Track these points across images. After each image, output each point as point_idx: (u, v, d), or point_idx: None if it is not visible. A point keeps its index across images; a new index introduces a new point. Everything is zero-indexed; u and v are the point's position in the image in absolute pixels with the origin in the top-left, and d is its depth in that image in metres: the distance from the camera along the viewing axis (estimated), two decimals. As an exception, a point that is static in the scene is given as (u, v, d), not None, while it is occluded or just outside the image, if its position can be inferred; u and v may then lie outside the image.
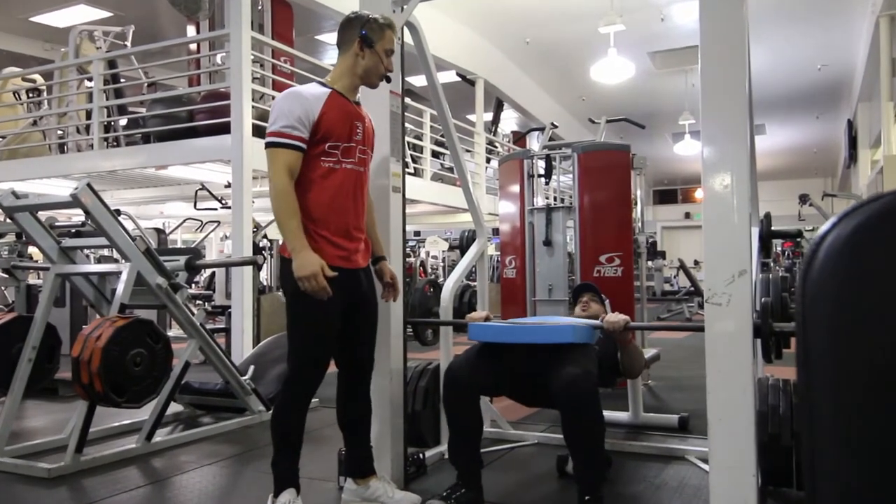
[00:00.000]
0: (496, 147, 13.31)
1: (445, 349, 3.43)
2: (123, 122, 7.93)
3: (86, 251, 4.17)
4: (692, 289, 13.23)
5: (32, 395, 3.88)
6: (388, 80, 2.71)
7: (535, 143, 17.42)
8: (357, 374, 2.72)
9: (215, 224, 10.10)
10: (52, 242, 3.80)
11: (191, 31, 8.60)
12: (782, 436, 2.67)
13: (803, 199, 11.64)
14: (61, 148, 8.33)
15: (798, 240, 17.51)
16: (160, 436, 3.81)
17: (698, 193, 22.73)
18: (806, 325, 0.90)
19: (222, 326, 7.28)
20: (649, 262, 12.87)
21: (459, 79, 11.49)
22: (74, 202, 3.38)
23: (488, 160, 12.36)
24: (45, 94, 9.03)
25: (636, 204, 5.87)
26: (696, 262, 15.72)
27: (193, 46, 8.42)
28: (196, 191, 8.16)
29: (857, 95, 11.83)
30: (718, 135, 2.41)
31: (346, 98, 2.59)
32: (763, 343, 2.52)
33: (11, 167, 8.42)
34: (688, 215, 22.66)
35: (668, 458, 3.41)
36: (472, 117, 12.31)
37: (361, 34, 2.58)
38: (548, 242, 5.28)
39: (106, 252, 7.77)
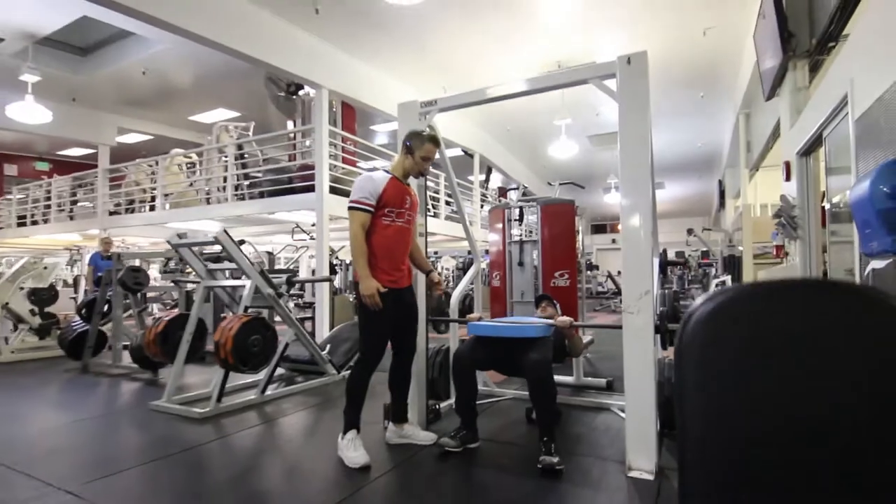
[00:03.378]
0: (487, 198, 13.32)
1: (453, 336, 3.45)
2: (247, 183, 8.02)
3: (225, 271, 4.16)
4: (617, 290, 13.18)
5: (190, 362, 3.88)
6: (424, 177, 2.79)
7: (513, 194, 17.44)
8: (405, 355, 2.75)
9: (305, 248, 10.17)
10: (201, 266, 3.87)
11: (290, 124, 8.70)
12: (671, 397, 2.68)
13: (689, 231, 11.52)
14: (207, 201, 8.44)
15: (685, 262, 17.43)
16: (270, 390, 3.83)
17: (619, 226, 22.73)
18: (682, 356, 1.01)
19: (310, 315, 7.31)
20: (588, 273, 12.85)
21: (463, 153, 11.55)
22: (216, 241, 3.45)
23: (482, 206, 12.37)
24: (197, 166, 9.15)
25: (579, 236, 5.88)
26: (619, 272, 15.68)
27: (291, 135, 8.53)
28: (293, 228, 8.23)
29: (724, 163, 11.78)
30: (631, 192, 2.45)
31: (400, 181, 2.65)
32: (661, 337, 2.53)
33: (177, 213, 8.54)
34: (614, 241, 22.49)
35: (599, 409, 3.38)
36: (471, 178, 12.35)
37: (406, 143, 2.65)
38: (521, 263, 5.30)
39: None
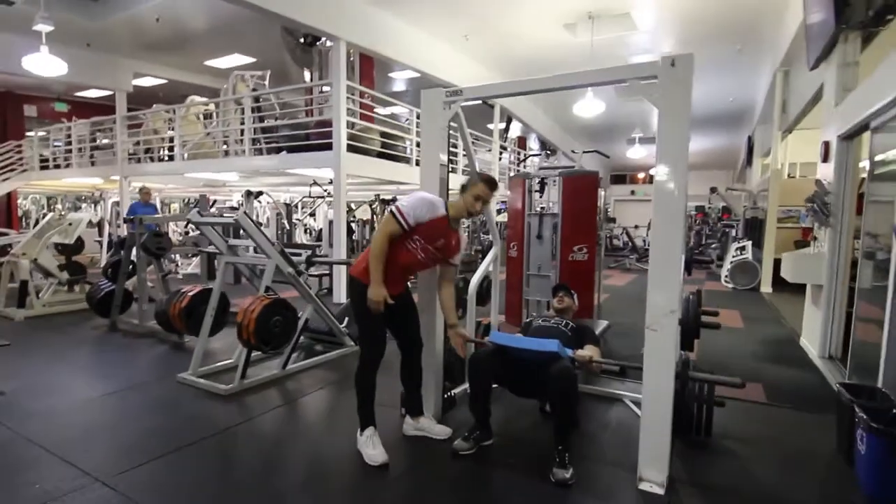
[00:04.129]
0: (506, 148, 12.95)
1: (471, 320, 3.42)
2: (264, 137, 7.86)
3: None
4: (633, 247, 13.01)
5: (214, 334, 3.95)
6: (472, 215, 2.61)
7: (532, 142, 16.98)
8: (410, 351, 2.76)
9: (323, 199, 10.12)
10: (222, 242, 3.85)
11: (307, 75, 8.39)
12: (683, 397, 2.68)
13: (713, 190, 11.17)
14: (225, 152, 8.32)
15: (706, 212, 17.01)
16: (292, 363, 3.91)
17: (640, 175, 22.10)
18: None
19: (327, 272, 7.38)
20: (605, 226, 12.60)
21: (482, 102, 11.14)
22: (236, 223, 3.40)
23: (500, 157, 12.06)
24: (214, 116, 8.96)
25: (600, 210, 5.73)
26: (636, 227, 15.39)
27: (309, 88, 8.24)
28: (311, 184, 8.14)
29: (756, 120, 11.20)
30: (664, 209, 2.27)
31: (449, 222, 2.55)
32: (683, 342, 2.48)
33: (195, 164, 8.47)
34: (633, 192, 21.99)
35: (611, 399, 3.40)
36: (490, 126, 11.97)
37: (463, 185, 2.59)
38: (539, 236, 5.20)
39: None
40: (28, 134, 11.64)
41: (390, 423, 2.92)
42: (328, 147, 6.75)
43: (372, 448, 2.49)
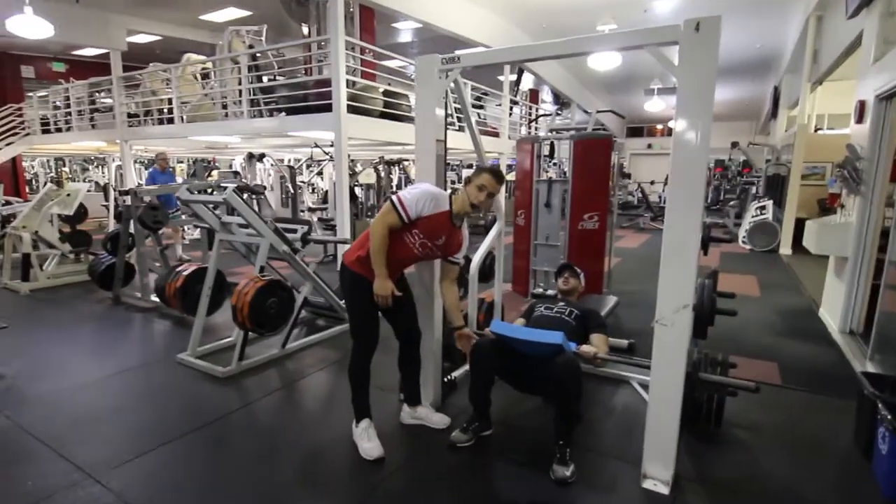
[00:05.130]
0: (517, 101, 12.43)
1: (472, 303, 3.30)
2: (263, 98, 7.56)
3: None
4: (647, 204, 12.65)
5: (212, 314, 3.89)
6: (475, 208, 2.41)
7: (546, 94, 16.31)
8: (407, 341, 2.66)
9: (327, 161, 9.88)
10: (215, 219, 3.72)
11: (304, 29, 7.97)
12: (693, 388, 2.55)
13: (734, 144, 10.67)
14: (225, 115, 8.05)
15: (725, 166, 16.43)
16: (293, 340, 3.86)
17: (658, 127, 21.30)
18: None
19: (333, 238, 7.25)
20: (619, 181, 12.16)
21: (493, 54, 10.61)
22: (225, 203, 3.26)
23: (511, 111, 11.59)
24: (212, 76, 8.62)
25: (614, 172, 5.46)
26: (652, 182, 14.95)
27: (307, 44, 7.84)
28: (312, 148, 7.90)
29: (784, 69, 10.52)
30: (680, 194, 2.07)
31: (451, 219, 2.40)
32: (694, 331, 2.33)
33: (194, 127, 8.23)
34: (649, 146, 21.24)
35: (618, 381, 3.30)
36: (500, 78, 11.45)
37: (467, 177, 2.44)
38: (548, 204, 5.00)
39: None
40: (29, 95, 11.43)
41: (389, 407, 2.86)
42: (328, 108, 6.47)
43: (367, 441, 2.43)
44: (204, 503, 2.13)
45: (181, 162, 16.47)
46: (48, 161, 16.32)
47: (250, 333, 3.41)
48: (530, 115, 12.87)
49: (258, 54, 7.51)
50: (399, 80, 8.90)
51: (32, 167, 15.89)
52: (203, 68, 8.67)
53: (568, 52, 2.33)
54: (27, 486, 2.19)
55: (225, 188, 3.65)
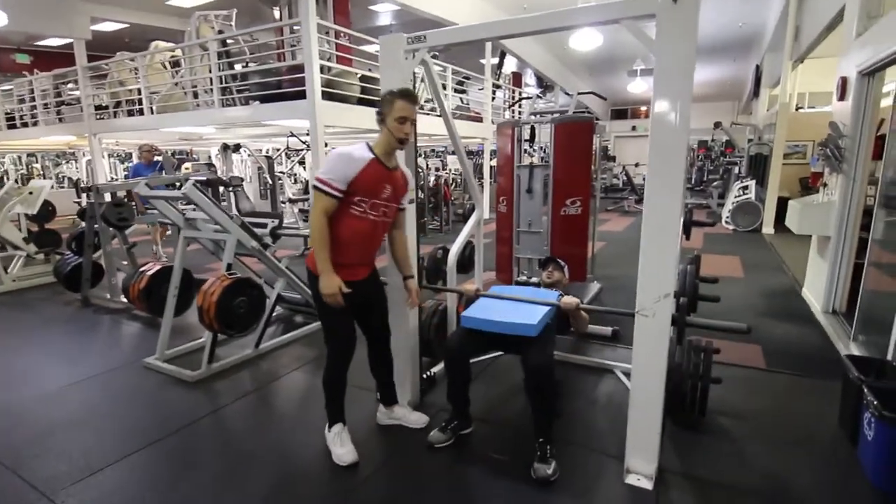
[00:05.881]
0: (500, 86, 12.23)
1: (451, 299, 3.19)
2: (235, 86, 7.29)
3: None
4: (632, 187, 12.60)
5: (179, 315, 3.73)
6: (403, 144, 2.20)
7: (529, 78, 16.10)
8: (377, 341, 2.53)
9: (305, 149, 9.63)
10: (178, 215, 3.55)
11: (276, 12, 7.69)
12: (680, 383, 2.48)
13: (716, 125, 10.61)
14: (196, 104, 7.76)
15: (708, 147, 16.43)
16: (268, 339, 3.74)
17: (642, 108, 21.23)
18: None
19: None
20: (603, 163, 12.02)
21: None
22: (186, 198, 3.09)
23: (493, 96, 11.40)
24: (182, 63, 8.29)
25: (596, 156, 5.36)
26: (637, 165, 14.89)
27: (278, 28, 7.56)
28: (288, 136, 7.67)
29: (765, 47, 10.46)
30: (658, 179, 1.96)
31: (383, 164, 2.18)
32: (678, 331, 2.24)
33: (165, 118, 7.93)
34: (634, 128, 21.16)
35: (601, 370, 3.22)
36: (482, 61, 11.23)
37: (377, 112, 2.16)
38: (529, 190, 4.87)
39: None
40: (5, 88, 10.94)
41: (365, 407, 2.75)
42: (302, 95, 6.25)
43: (340, 446, 2.32)
44: (165, 519, 2.02)
45: (159, 155, 16.05)
46: (19, 157, 15.80)
47: (221, 334, 3.28)
48: (513, 98, 12.70)
49: (228, 40, 7.24)
50: (377, 64, 8.66)
51: (2, 164, 15.38)
52: (172, 56, 8.36)
53: (538, 29, 2.19)
54: (-25, 509, 2.06)
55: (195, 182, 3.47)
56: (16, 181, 5.66)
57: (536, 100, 6.30)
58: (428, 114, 8.09)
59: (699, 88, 17.24)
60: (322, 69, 6.24)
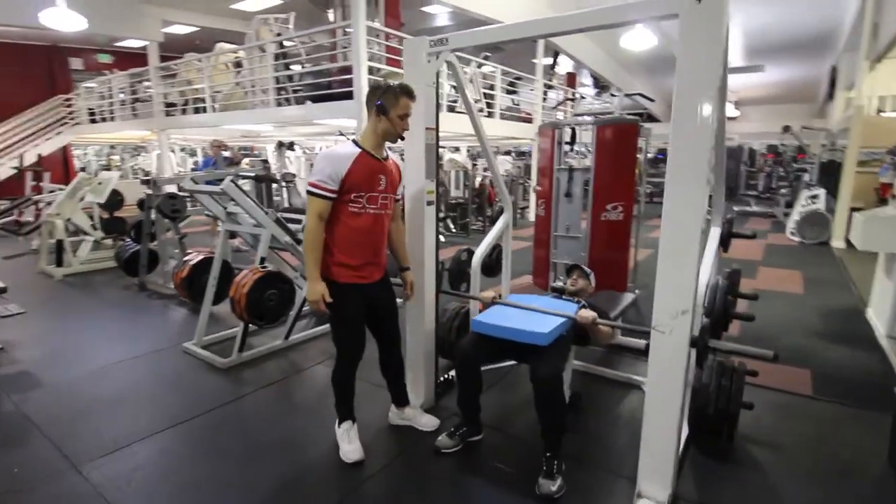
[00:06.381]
0: (551, 85, 11.98)
1: (474, 302, 3.15)
2: (290, 86, 7.56)
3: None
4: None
5: (218, 303, 3.90)
6: (402, 139, 2.26)
7: (585, 78, 15.70)
8: (388, 344, 2.52)
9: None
10: (220, 209, 3.71)
11: (330, 14, 7.89)
12: (705, 405, 2.33)
13: (785, 129, 9.92)
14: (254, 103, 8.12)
15: (778, 152, 15.41)
16: (300, 331, 3.83)
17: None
18: None
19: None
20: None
21: (526, 37, 10.25)
22: (224, 193, 3.23)
23: (545, 98, 11.19)
24: (244, 64, 8.68)
25: (640, 162, 5.16)
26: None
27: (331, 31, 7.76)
28: (337, 135, 7.86)
29: (841, 47, 9.67)
30: (679, 188, 1.84)
31: (373, 155, 2.18)
32: (698, 354, 2.10)
33: (226, 116, 8.33)
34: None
35: (629, 386, 3.07)
36: (535, 61, 11.05)
37: (377, 104, 2.15)
38: (568, 194, 4.75)
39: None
40: (84, 86, 11.90)
41: (379, 405, 2.75)
42: (350, 96, 6.39)
43: (347, 443, 2.34)
44: (173, 500, 2.10)
45: (226, 150, 16.93)
46: (101, 149, 17.13)
47: (251, 325, 3.40)
48: (566, 98, 12.42)
49: (285, 42, 7.51)
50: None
51: (86, 155, 16.71)
52: (235, 57, 8.77)
53: (555, 31, 2.12)
54: (13, 473, 2.23)
55: (244, 178, 3.63)
56: (84, 170, 6.10)
57: (580, 100, 6.11)
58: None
59: (768, 90, 16.16)
60: (371, 70, 6.35)
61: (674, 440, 1.99)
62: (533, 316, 2.36)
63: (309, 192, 2.11)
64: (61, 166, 12.03)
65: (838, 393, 2.98)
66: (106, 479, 2.20)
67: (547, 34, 2.16)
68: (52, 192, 7.39)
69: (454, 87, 8.17)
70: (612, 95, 5.70)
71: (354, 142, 2.20)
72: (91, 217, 6.23)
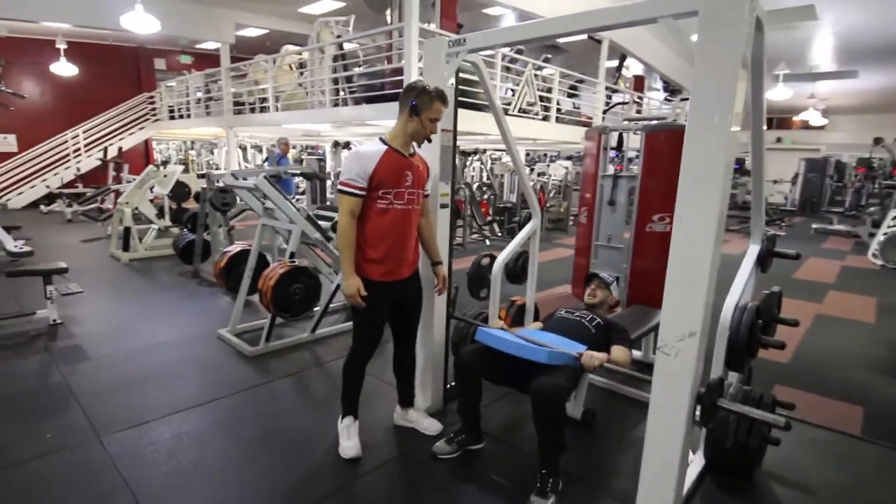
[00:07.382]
0: (616, 89, 11.59)
1: (494, 305, 3.12)
2: (347, 87, 7.82)
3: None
4: (771, 205, 11.20)
5: (252, 294, 4.08)
6: (430, 140, 2.29)
7: (655, 81, 15.06)
8: (405, 344, 2.55)
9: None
10: (259, 204, 3.88)
11: (388, 16, 8.07)
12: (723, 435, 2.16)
13: (877, 141, 9.06)
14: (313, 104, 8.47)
15: (872, 165, 14.07)
16: (328, 325, 3.94)
17: (794, 119, 18.80)
18: None
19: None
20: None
21: (587, 37, 9.98)
22: (257, 189, 3.38)
23: (609, 100, 10.85)
24: (308, 65, 9.08)
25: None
26: (775, 181, 13.30)
27: (388, 32, 7.93)
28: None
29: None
30: (689, 202, 1.75)
31: (400, 152, 2.22)
32: (703, 413, 1.90)
33: (288, 115, 8.70)
34: (779, 140, 18.75)
35: (645, 406, 2.90)
36: (598, 64, 10.74)
37: (412, 104, 2.19)
38: (611, 202, 4.57)
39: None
40: (166, 84, 12.90)
41: (385, 404, 2.79)
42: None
43: (346, 439, 2.39)
44: (170, 479, 2.22)
45: (294, 148, 17.74)
46: (180, 145, 18.46)
47: (277, 317, 3.53)
48: (634, 101, 11.99)
49: (345, 44, 7.77)
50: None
51: (168, 148, 18.07)
52: (299, 59, 9.18)
53: (570, 30, 2.07)
54: (45, 439, 2.45)
55: (295, 175, 3.77)
56: (155, 165, 6.59)
57: (646, 104, 5.86)
58: (532, 117, 7.98)
59: (861, 98, 14.75)
60: (421, 72, 6.44)
61: (675, 472, 1.87)
62: (537, 343, 2.27)
63: (339, 191, 2.19)
64: (143, 159, 13.10)
65: (889, 435, 2.68)
66: (123, 450, 2.37)
67: (559, 34, 2.10)
68: (128, 182, 8.07)
69: (512, 90, 8.12)
70: (683, 100, 5.43)
71: (381, 139, 2.25)
72: (161, 207, 6.73)
